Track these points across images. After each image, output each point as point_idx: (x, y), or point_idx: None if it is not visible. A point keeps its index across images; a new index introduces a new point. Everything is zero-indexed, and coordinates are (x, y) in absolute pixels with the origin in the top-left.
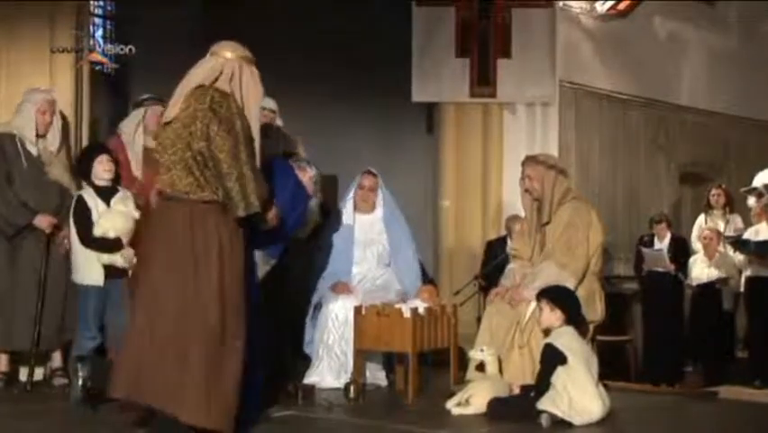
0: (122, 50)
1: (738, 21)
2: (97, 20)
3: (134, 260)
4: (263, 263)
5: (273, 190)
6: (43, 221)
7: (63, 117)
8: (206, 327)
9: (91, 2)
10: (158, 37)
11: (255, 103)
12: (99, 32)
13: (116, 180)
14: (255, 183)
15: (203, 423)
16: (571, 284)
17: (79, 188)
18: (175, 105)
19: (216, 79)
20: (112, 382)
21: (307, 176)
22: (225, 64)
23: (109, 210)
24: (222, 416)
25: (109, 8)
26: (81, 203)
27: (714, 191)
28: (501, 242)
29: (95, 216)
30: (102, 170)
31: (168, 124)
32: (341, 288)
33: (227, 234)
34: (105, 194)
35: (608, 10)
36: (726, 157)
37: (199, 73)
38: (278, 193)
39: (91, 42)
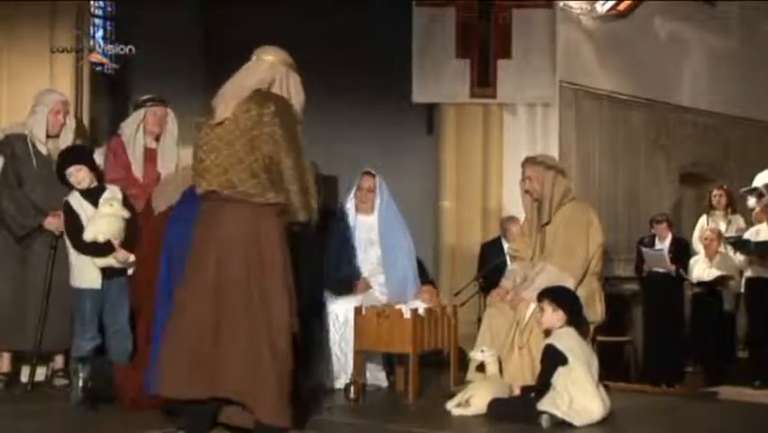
0: (122, 50)
1: (739, 21)
2: (97, 20)
3: (131, 259)
4: None
5: None
6: (53, 222)
7: (78, 118)
8: (274, 325)
9: (91, 2)
10: (158, 37)
11: (300, 109)
12: (99, 33)
13: (101, 178)
14: (314, 189)
15: (279, 422)
16: (570, 285)
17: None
18: (226, 108)
19: (270, 85)
20: (162, 381)
21: None
22: (275, 69)
23: (95, 215)
24: (288, 413)
25: (109, 8)
26: (68, 209)
27: (716, 192)
28: (495, 244)
29: (84, 220)
30: (75, 181)
31: (218, 125)
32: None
33: (284, 236)
34: (92, 195)
35: (609, 10)
36: (727, 157)
37: (252, 78)
38: None
39: (91, 43)
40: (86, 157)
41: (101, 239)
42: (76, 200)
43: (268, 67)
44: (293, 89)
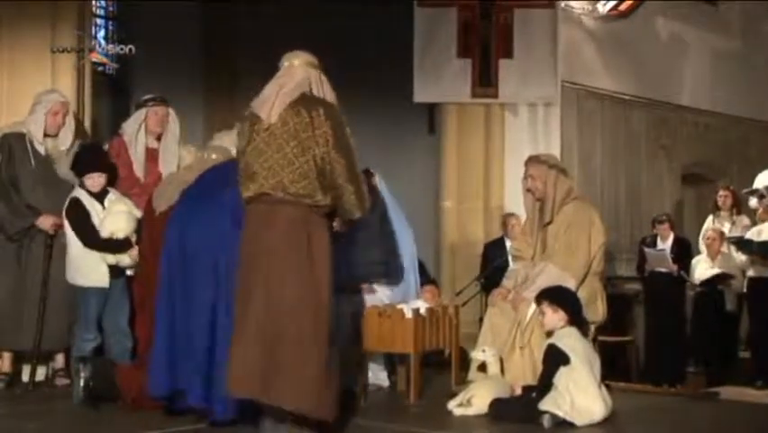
0: (122, 50)
1: (740, 21)
2: (99, 20)
3: (137, 258)
4: None
5: None
6: (46, 222)
7: (77, 119)
8: (324, 324)
9: (92, 2)
10: (158, 37)
11: None
12: (101, 33)
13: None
14: (365, 188)
15: (326, 416)
16: (572, 285)
17: None
18: (271, 113)
19: (309, 88)
20: (232, 379)
21: None
22: (308, 72)
23: (111, 211)
24: (335, 408)
25: (110, 8)
26: (78, 205)
27: (721, 192)
28: (498, 243)
29: (94, 218)
30: (90, 184)
31: (265, 129)
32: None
33: (330, 236)
34: (98, 195)
35: (610, 10)
36: (728, 157)
37: (292, 82)
38: None
39: (92, 42)
40: (108, 164)
41: (120, 235)
42: (84, 197)
43: (302, 71)
44: (326, 90)
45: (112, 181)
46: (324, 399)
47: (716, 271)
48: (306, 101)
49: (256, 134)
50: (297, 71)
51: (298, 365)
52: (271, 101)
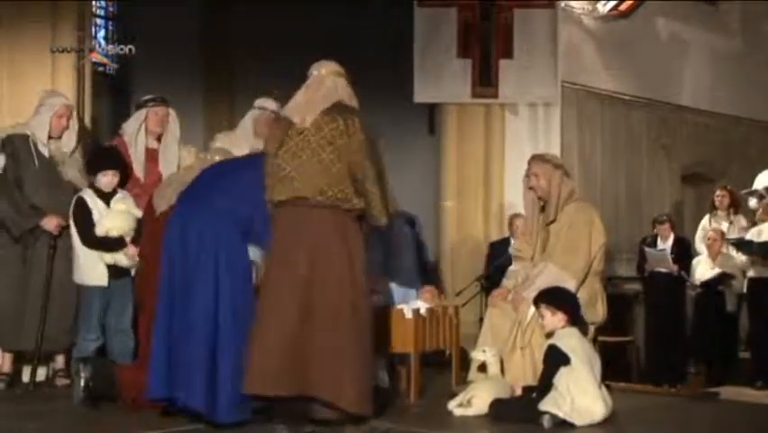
0: (122, 50)
1: (740, 21)
2: (99, 20)
3: (136, 258)
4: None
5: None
6: (50, 223)
7: (80, 120)
8: (365, 321)
9: (92, 2)
10: (158, 37)
11: None
12: (101, 33)
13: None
14: (390, 196)
15: (364, 411)
16: (571, 286)
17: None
18: (305, 119)
19: (341, 98)
20: (251, 378)
21: None
22: (336, 81)
23: (110, 209)
24: (370, 402)
25: (111, 8)
26: (82, 204)
27: (718, 192)
28: (503, 243)
29: (96, 217)
30: (105, 182)
31: (299, 133)
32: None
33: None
34: (105, 195)
35: (610, 11)
36: (728, 157)
37: (322, 90)
38: None
39: (92, 42)
40: (123, 164)
41: (114, 234)
42: (89, 196)
43: (330, 80)
44: (353, 98)
45: (123, 182)
46: (364, 394)
47: (717, 271)
48: (340, 109)
49: (289, 138)
50: (326, 80)
51: (341, 361)
52: (305, 107)
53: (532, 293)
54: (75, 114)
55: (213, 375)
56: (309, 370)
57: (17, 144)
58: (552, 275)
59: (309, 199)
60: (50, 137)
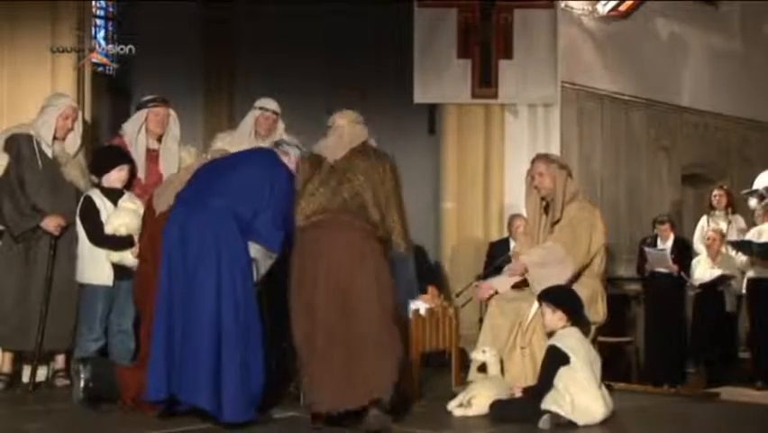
0: (122, 50)
1: (740, 22)
2: (99, 20)
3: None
4: (265, 258)
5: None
6: (50, 223)
7: (84, 122)
8: (396, 326)
9: (92, 2)
10: (158, 37)
11: None
12: (101, 33)
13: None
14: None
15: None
16: (570, 271)
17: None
18: (338, 153)
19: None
20: (320, 399)
21: (291, 159)
22: (356, 129)
23: (119, 208)
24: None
25: (110, 9)
26: (90, 203)
27: (716, 192)
28: (503, 243)
29: (103, 216)
30: (118, 177)
31: (330, 166)
32: None
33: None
34: (112, 195)
35: (610, 11)
36: (728, 158)
37: (349, 136)
38: (275, 185)
39: (92, 43)
40: (131, 159)
41: (123, 232)
42: (97, 196)
43: (350, 128)
44: (372, 142)
45: (130, 181)
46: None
47: (717, 273)
48: (370, 148)
49: (319, 171)
50: (347, 128)
51: (378, 366)
52: (335, 146)
53: (533, 258)
54: (80, 115)
55: (218, 374)
56: (354, 383)
57: (21, 144)
58: (556, 253)
59: (337, 219)
60: (54, 138)
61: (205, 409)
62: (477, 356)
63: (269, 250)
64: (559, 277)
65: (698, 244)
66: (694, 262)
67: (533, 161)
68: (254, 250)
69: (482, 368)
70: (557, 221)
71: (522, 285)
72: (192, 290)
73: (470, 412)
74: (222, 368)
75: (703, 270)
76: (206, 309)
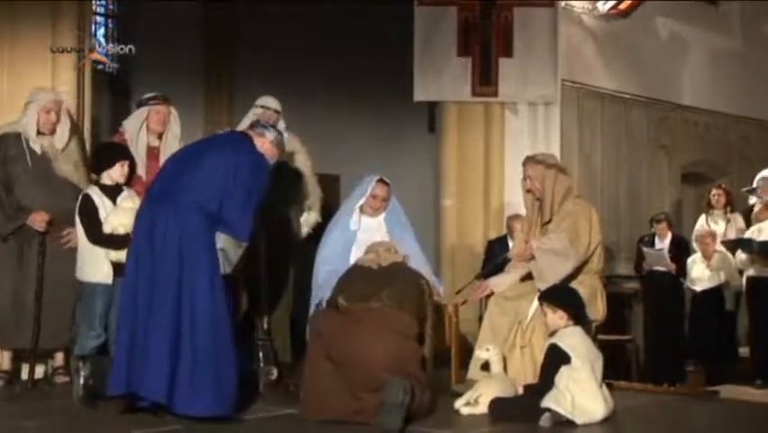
0: (122, 49)
1: (740, 21)
2: (99, 19)
3: None
4: (235, 247)
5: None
6: (35, 219)
7: (70, 116)
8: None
9: (93, 1)
10: (158, 37)
11: None
12: (101, 32)
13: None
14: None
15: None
16: (571, 263)
17: (89, 183)
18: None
19: None
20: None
21: (266, 141)
22: None
23: (118, 207)
24: None
25: (111, 7)
26: (88, 201)
27: (714, 191)
28: (502, 241)
29: (102, 214)
30: (120, 173)
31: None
32: None
33: None
34: (112, 193)
35: (610, 10)
36: (728, 157)
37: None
38: (238, 168)
39: (92, 42)
40: (131, 156)
41: (122, 231)
42: (96, 194)
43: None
44: None
45: (130, 177)
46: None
47: (714, 278)
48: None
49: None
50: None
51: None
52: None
53: (540, 243)
54: (65, 109)
55: (174, 368)
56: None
57: (9, 143)
58: (562, 242)
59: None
60: (40, 133)
61: (162, 404)
62: (480, 354)
63: (238, 239)
64: (564, 267)
65: (696, 243)
66: (689, 261)
67: (522, 165)
68: (222, 240)
69: (485, 366)
70: (548, 221)
71: (525, 279)
72: (153, 286)
73: (478, 411)
74: (178, 362)
75: (699, 270)
76: (166, 305)
